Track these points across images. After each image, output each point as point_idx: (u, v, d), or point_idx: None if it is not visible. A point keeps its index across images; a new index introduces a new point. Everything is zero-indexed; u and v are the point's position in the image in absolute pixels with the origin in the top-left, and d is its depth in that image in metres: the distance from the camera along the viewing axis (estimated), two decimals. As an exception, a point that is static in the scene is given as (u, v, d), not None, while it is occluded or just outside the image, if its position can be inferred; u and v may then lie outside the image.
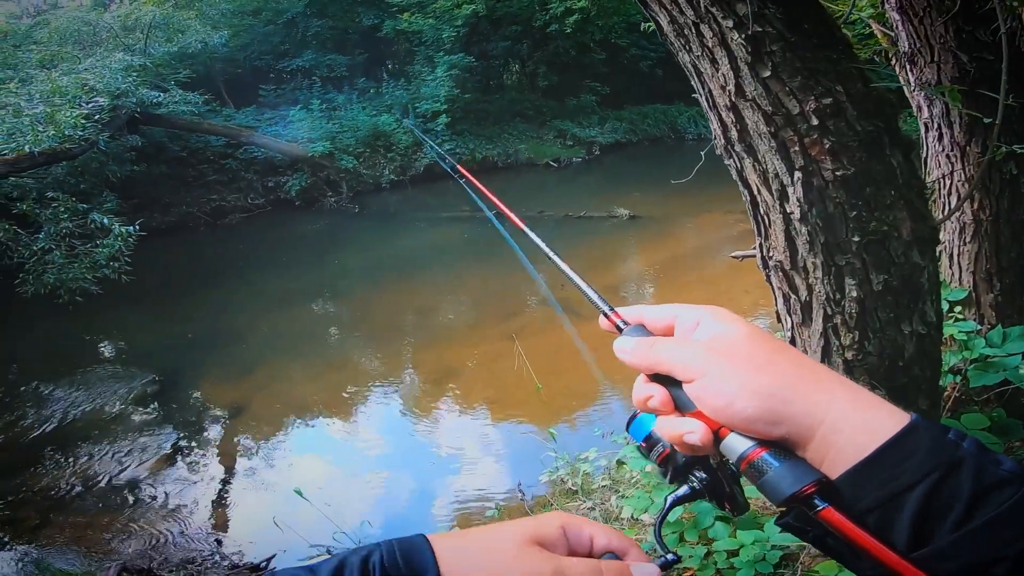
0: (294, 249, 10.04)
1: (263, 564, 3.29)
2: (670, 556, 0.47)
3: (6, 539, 3.75)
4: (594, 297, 0.53)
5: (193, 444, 4.64)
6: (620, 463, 3.05)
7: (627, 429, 0.51)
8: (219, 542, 3.61)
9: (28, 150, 7.02)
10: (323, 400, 5.06)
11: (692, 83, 1.41)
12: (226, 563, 3.37)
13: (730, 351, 0.41)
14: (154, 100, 9.87)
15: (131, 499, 4.04)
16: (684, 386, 0.42)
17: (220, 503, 3.99)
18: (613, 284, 7.09)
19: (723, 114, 1.36)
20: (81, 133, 7.56)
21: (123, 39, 10.36)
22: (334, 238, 10.61)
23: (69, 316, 6.74)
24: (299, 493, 3.21)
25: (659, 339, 0.45)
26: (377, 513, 3.62)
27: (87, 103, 7.89)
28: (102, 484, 4.18)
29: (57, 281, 6.64)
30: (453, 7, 13.83)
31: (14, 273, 6.85)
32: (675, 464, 0.48)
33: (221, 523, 3.82)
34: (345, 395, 5.15)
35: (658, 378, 0.44)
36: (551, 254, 0.64)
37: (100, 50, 9.93)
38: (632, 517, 2.39)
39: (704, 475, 0.46)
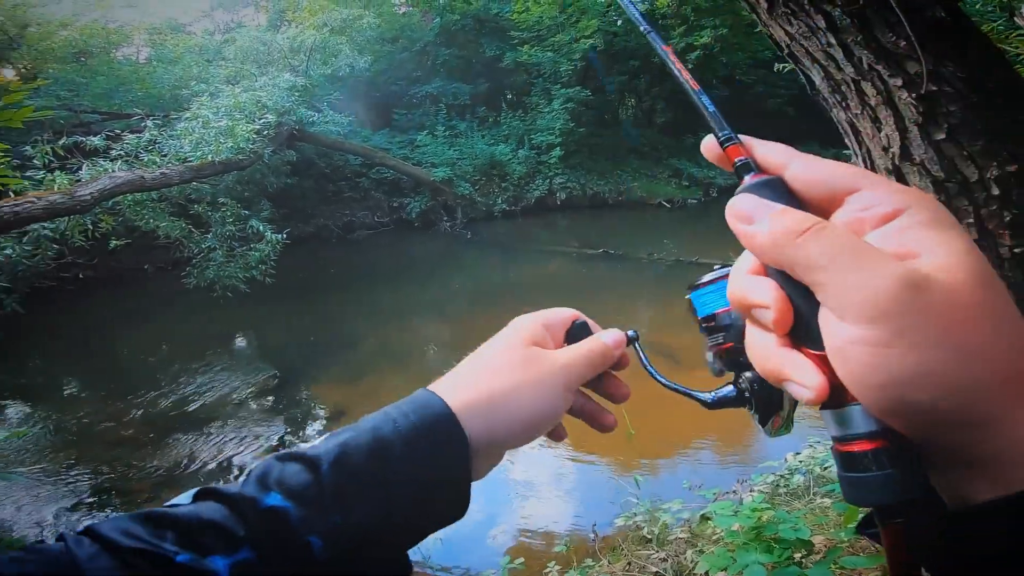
0: (410, 268, 10.64)
1: None
2: (630, 332, 0.49)
3: (119, 505, 4.09)
4: (709, 111, 0.34)
5: (295, 440, 4.93)
6: (704, 518, 2.84)
7: (688, 293, 0.40)
8: None
9: (211, 159, 7.98)
10: (416, 414, 5.25)
11: (846, 140, 1.30)
12: None
13: (941, 301, 0.25)
14: (310, 119, 10.78)
15: (231, 483, 4.39)
16: (829, 323, 0.27)
17: None
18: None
19: (883, 177, 1.23)
20: (252, 146, 8.47)
21: (290, 60, 11.37)
22: (446, 261, 11.11)
23: (218, 309, 7.67)
24: None
25: (823, 226, 0.27)
26: (446, 530, 3.61)
27: (259, 119, 8.73)
28: (211, 466, 4.52)
29: (215, 277, 7.56)
30: (571, 41, 14.11)
31: (182, 266, 7.95)
32: (733, 362, 0.38)
33: None
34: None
35: (781, 276, 0.29)
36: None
37: (272, 69, 10.84)
38: (707, 574, 2.20)
39: (758, 385, 0.37)
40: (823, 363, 0.28)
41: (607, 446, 4.38)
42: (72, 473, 4.47)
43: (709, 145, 0.34)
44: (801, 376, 0.28)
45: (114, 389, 6.25)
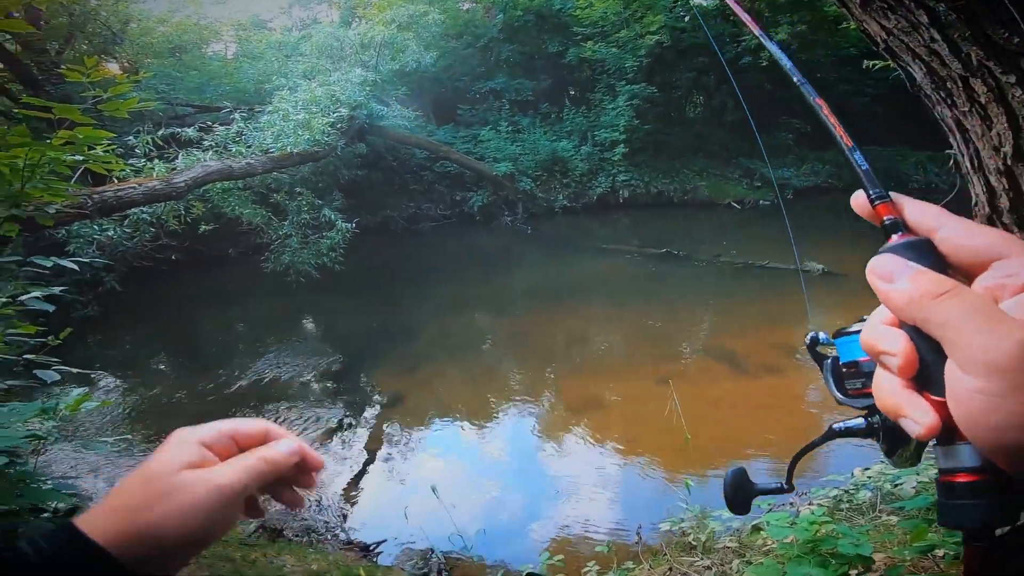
0: (470, 261, 10.82)
1: (372, 546, 3.47)
2: (784, 484, 0.49)
3: None
4: (862, 169, 0.37)
5: (353, 423, 5.10)
6: (756, 528, 2.75)
7: (833, 337, 0.45)
8: (344, 517, 3.85)
9: (290, 150, 8.45)
10: (468, 405, 5.31)
11: (950, 139, 1.21)
12: (343, 538, 3.60)
13: None
14: (379, 113, 11.14)
15: None
16: (953, 373, 0.30)
17: (356, 482, 4.29)
18: (792, 343, 6.34)
19: (992, 179, 1.14)
20: (327, 139, 8.87)
21: (361, 55, 11.67)
22: (506, 255, 11.21)
23: (291, 293, 8.10)
24: (434, 490, 3.37)
25: (957, 291, 0.31)
26: (489, 521, 3.65)
27: (333, 112, 9.11)
28: None
29: (290, 263, 8.00)
30: (637, 37, 13.80)
31: (262, 251, 8.44)
32: (867, 404, 0.43)
33: (351, 500, 4.09)
34: (488, 405, 5.34)
35: (914, 331, 0.32)
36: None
37: (344, 65, 11.20)
38: (753, 585, 2.12)
39: (889, 423, 0.39)
40: (940, 407, 0.32)
41: (661, 449, 4.30)
42: (150, 445, 4.72)
43: (859, 201, 0.37)
44: (916, 414, 0.32)
45: (194, 365, 6.74)
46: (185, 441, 0.48)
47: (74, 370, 1.65)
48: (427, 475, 4.19)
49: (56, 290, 1.59)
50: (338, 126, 9.35)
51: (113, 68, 10.90)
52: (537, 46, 15.51)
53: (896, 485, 2.75)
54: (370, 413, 5.37)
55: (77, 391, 1.59)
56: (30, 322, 1.66)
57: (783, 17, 13.42)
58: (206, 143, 7.94)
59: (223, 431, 0.50)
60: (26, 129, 1.64)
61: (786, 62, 0.43)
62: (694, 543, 2.78)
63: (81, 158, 1.77)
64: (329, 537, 3.58)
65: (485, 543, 3.26)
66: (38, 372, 1.63)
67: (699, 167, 14.29)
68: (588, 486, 4.02)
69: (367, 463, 4.52)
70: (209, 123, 8.62)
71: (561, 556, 2.89)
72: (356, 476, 4.36)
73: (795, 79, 0.41)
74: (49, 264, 1.56)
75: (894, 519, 2.53)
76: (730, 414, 4.68)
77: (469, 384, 5.83)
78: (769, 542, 2.50)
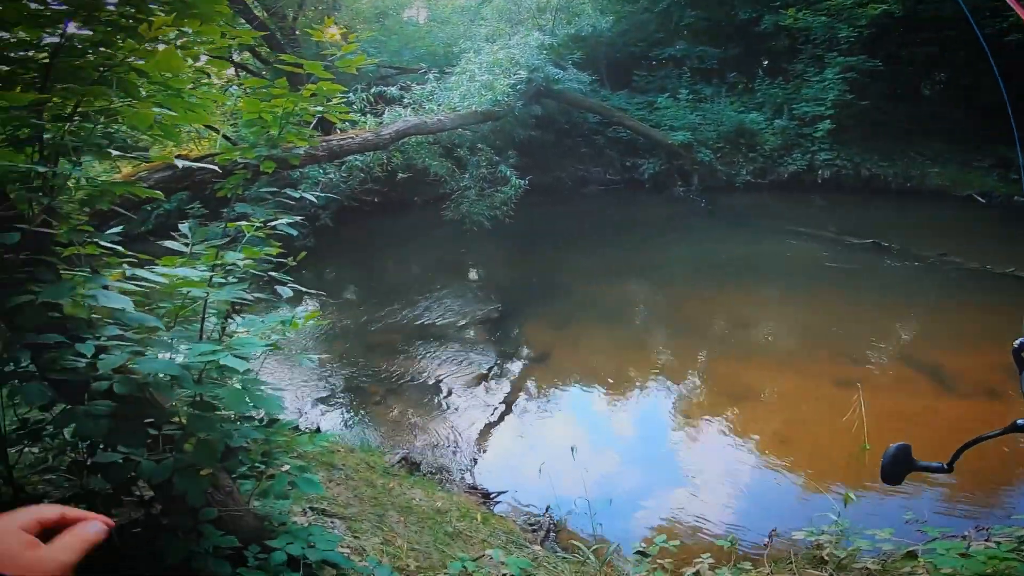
0: (635, 228, 10.56)
1: (493, 494, 3.60)
2: (946, 464, 0.46)
3: (356, 404, 4.71)
4: None
5: (500, 372, 5.36)
6: (911, 555, 2.41)
7: None
8: (475, 461, 4.00)
9: (474, 109, 9.11)
10: (611, 373, 5.30)
11: None
12: (468, 481, 3.75)
13: None
14: (555, 76, 11.29)
15: (440, 402, 4.82)
16: None
17: (490, 430, 4.43)
18: None
19: None
20: (506, 99, 9.35)
21: (538, 19, 11.97)
22: (674, 226, 10.72)
23: (463, 241, 8.78)
24: (573, 451, 3.43)
25: None
26: (611, 492, 3.62)
27: (513, 74, 9.56)
28: (430, 381, 5.11)
29: (467, 212, 8.67)
30: (855, 5, 11.82)
31: (443, 200, 9.25)
32: None
33: (483, 447, 4.23)
34: (631, 375, 5.28)
35: None
36: None
37: (522, 28, 11.57)
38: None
39: None
40: None
41: (820, 456, 3.93)
42: (335, 367, 5.40)
43: None
44: None
45: (371, 297, 7.61)
46: (12, 529, 0.55)
47: (303, 288, 1.98)
48: (558, 435, 4.30)
49: (297, 218, 1.97)
50: (517, 88, 9.71)
51: (334, 33, 12.42)
52: (724, 12, 14.19)
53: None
54: (516, 366, 5.58)
55: (301, 309, 1.90)
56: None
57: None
58: (406, 100, 8.87)
59: (34, 519, 0.57)
60: (286, 82, 2.01)
61: None
62: (826, 558, 2.53)
63: (321, 109, 2.11)
64: (458, 479, 3.76)
65: (603, 513, 3.25)
66: (278, 288, 1.95)
67: (933, 151, 12.00)
68: (721, 478, 3.82)
69: (504, 414, 4.68)
70: (408, 83, 9.55)
71: (677, 542, 2.83)
72: (492, 424, 4.56)
73: None
74: (297, 196, 1.94)
75: (1082, 563, 2.07)
76: (922, 433, 4.02)
77: (616, 352, 5.81)
78: (919, 570, 2.19)
